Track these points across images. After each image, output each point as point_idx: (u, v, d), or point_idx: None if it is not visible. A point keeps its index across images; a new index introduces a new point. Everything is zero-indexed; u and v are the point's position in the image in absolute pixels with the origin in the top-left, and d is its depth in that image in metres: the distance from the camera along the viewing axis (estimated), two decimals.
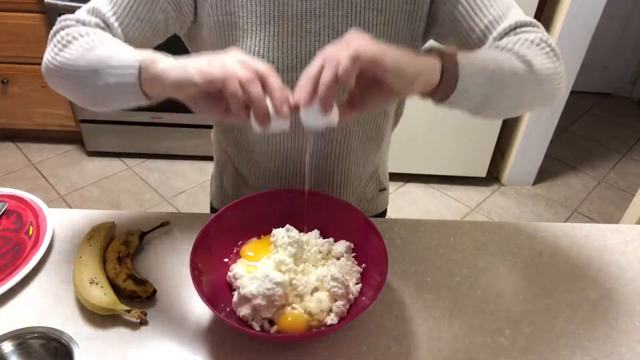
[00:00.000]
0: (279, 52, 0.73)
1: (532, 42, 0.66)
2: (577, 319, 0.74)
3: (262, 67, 0.56)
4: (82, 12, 0.69)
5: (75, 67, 0.63)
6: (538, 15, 2.08)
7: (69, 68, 0.64)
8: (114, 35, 0.69)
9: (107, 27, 0.69)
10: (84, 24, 0.67)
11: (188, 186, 2.38)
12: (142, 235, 0.81)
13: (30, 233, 0.81)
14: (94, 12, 0.69)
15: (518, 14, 0.70)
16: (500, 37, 0.68)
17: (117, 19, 0.69)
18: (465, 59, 0.60)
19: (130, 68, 0.59)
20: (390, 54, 0.54)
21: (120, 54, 0.61)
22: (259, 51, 0.73)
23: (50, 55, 0.66)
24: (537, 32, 0.68)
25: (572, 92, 2.21)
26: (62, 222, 0.85)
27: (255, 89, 0.54)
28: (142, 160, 2.51)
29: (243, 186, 0.94)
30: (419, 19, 0.75)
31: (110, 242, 0.79)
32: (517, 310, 0.75)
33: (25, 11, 2.11)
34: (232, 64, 0.55)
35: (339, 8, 0.71)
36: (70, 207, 2.22)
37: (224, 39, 0.75)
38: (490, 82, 0.61)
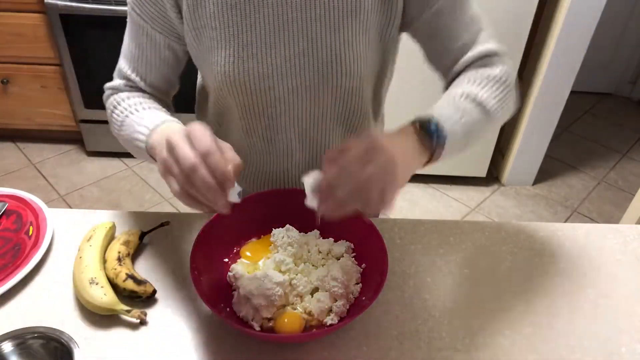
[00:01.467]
0: (253, 61, 0.72)
1: (492, 79, 0.71)
2: (577, 319, 0.74)
3: (206, 144, 0.52)
4: (114, 77, 0.81)
5: (120, 137, 0.78)
6: (538, 15, 2.08)
7: (119, 138, 0.79)
8: (137, 85, 0.80)
9: (130, 81, 0.80)
10: (117, 89, 0.80)
11: None
12: (142, 235, 0.81)
13: (30, 233, 0.81)
14: (119, 73, 0.81)
15: (485, 39, 0.74)
16: (467, 64, 0.74)
17: (134, 72, 0.79)
18: (450, 138, 0.65)
19: (142, 142, 0.69)
20: (403, 184, 0.57)
21: (139, 128, 0.71)
22: (233, 61, 0.72)
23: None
24: (498, 64, 0.73)
25: (572, 92, 2.21)
26: (62, 222, 0.85)
27: (198, 179, 0.52)
28: (142, 160, 2.51)
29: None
30: (393, 20, 0.74)
31: (110, 242, 0.79)
32: (517, 310, 0.75)
33: (25, 11, 2.11)
34: (170, 158, 0.54)
35: (312, 10, 0.70)
36: (70, 207, 2.22)
37: (201, 52, 0.75)
38: (463, 144, 0.69)
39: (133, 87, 0.80)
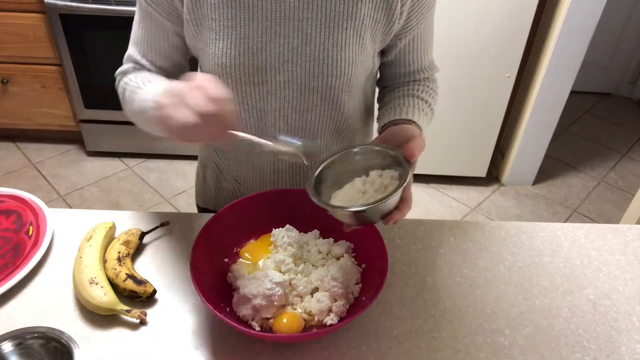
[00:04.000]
0: (249, 53, 0.74)
1: (435, 91, 0.89)
2: (577, 319, 0.74)
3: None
4: (124, 62, 0.84)
5: (132, 117, 0.77)
6: (538, 15, 2.08)
7: (131, 117, 0.78)
8: (146, 67, 0.81)
9: (139, 65, 0.82)
10: (126, 72, 0.82)
11: (188, 186, 2.38)
12: (142, 235, 0.81)
13: (30, 233, 0.81)
14: (128, 58, 0.83)
15: (431, 59, 0.89)
16: (421, 79, 0.89)
17: (143, 58, 0.81)
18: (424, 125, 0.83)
19: (149, 109, 0.67)
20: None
21: (146, 96, 0.70)
22: (230, 53, 0.74)
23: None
24: (435, 78, 0.91)
25: (572, 92, 2.21)
26: (62, 222, 0.85)
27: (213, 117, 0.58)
28: (142, 160, 2.51)
29: (222, 180, 0.95)
30: (389, 30, 0.77)
31: (110, 242, 0.79)
32: (517, 310, 0.75)
33: (25, 11, 2.11)
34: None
35: (308, 10, 0.72)
36: (70, 207, 2.22)
37: (200, 42, 0.76)
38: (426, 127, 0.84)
39: (142, 69, 0.82)
